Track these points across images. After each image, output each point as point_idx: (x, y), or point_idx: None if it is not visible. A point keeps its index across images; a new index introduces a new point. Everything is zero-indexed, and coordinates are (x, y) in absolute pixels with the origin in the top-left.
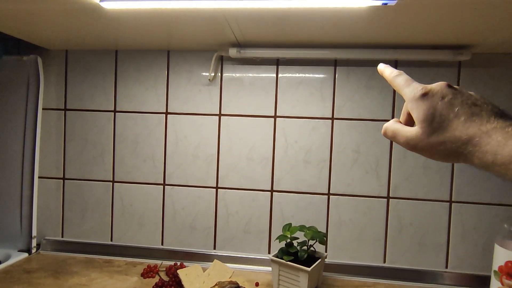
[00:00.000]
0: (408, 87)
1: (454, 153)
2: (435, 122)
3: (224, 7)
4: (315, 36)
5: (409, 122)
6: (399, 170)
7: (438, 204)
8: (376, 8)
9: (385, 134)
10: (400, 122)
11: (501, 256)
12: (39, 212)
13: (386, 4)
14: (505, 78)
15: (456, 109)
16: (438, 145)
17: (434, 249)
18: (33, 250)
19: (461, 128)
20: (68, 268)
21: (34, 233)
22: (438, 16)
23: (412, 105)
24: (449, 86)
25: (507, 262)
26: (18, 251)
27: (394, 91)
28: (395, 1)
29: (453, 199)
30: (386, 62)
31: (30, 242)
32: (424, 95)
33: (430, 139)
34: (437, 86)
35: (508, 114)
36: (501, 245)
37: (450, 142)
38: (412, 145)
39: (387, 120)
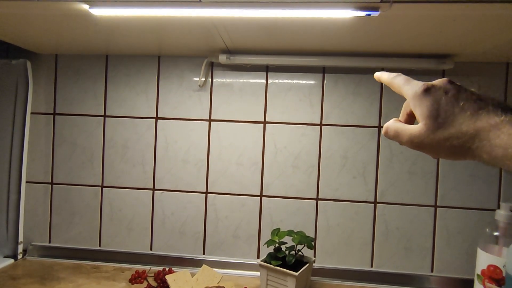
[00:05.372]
0: (408, 85)
1: (461, 149)
2: (440, 118)
3: (213, 16)
4: (303, 44)
5: (410, 121)
6: (386, 176)
7: (423, 209)
8: (360, 18)
9: (387, 134)
10: (400, 121)
11: (483, 260)
12: (26, 217)
13: (369, 15)
14: (487, 86)
15: (461, 104)
16: (444, 141)
17: (420, 253)
18: (19, 256)
19: (468, 122)
20: (55, 274)
21: (20, 238)
22: (419, 27)
23: (414, 102)
24: (451, 82)
25: (489, 266)
26: (4, 257)
27: (381, 98)
28: (378, 12)
29: (438, 204)
30: (372, 70)
31: (16, 248)
32: (427, 91)
33: (435, 136)
34: (440, 82)
35: None
36: (484, 249)
37: (457, 137)
38: (416, 143)
39: (374, 127)
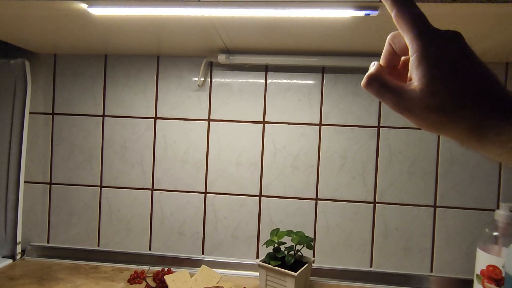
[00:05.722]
0: (421, 28)
1: (451, 129)
2: (447, 95)
3: (212, 15)
4: (302, 44)
5: (392, 61)
6: (385, 176)
7: (423, 209)
8: (359, 18)
9: (368, 86)
10: (389, 77)
11: (482, 260)
12: (25, 217)
13: (368, 14)
14: None
15: (473, 75)
16: (436, 118)
17: (419, 253)
18: (18, 256)
19: (476, 98)
20: (53, 275)
21: (19, 239)
22: None
23: (421, 59)
24: (468, 46)
25: (488, 266)
26: (2, 257)
27: None
28: (377, 12)
29: (437, 204)
30: None
31: (15, 248)
32: (446, 52)
33: (437, 110)
34: (460, 39)
35: None
36: (483, 249)
37: (458, 117)
38: (403, 109)
39: (374, 127)
